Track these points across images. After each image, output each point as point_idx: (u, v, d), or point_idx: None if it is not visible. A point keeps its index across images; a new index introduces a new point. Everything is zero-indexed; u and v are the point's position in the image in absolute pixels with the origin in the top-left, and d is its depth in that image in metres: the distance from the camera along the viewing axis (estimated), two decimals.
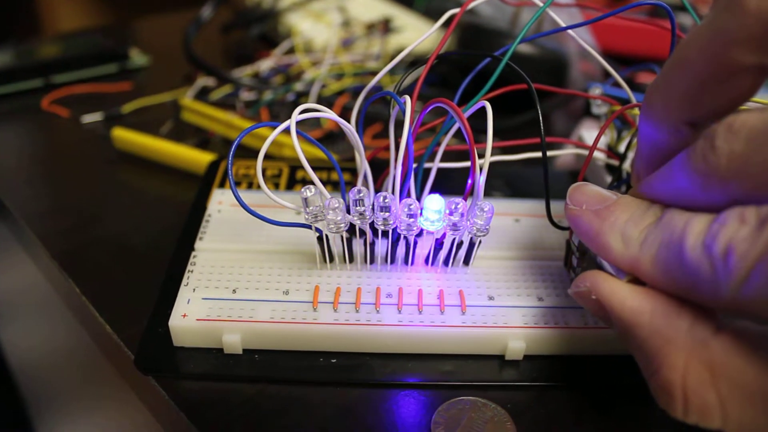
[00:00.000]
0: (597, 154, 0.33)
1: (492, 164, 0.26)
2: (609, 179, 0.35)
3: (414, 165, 0.26)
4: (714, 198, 0.19)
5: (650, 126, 0.22)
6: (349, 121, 0.26)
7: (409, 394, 0.25)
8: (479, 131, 0.26)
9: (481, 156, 0.25)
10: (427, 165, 0.28)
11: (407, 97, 0.26)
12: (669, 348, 0.20)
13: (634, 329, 0.20)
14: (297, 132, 0.24)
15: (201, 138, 0.44)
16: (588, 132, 0.41)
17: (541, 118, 0.26)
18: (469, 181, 0.26)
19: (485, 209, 0.25)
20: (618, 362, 0.26)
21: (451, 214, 0.25)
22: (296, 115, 0.24)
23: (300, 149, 0.24)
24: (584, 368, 0.27)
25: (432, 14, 0.65)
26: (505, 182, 0.37)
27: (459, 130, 0.28)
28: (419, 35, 0.59)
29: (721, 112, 0.20)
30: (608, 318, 0.22)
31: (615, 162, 0.34)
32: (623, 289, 0.21)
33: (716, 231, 0.18)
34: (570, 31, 0.29)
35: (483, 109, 0.26)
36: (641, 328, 0.20)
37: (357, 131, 0.27)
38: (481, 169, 0.25)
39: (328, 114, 0.25)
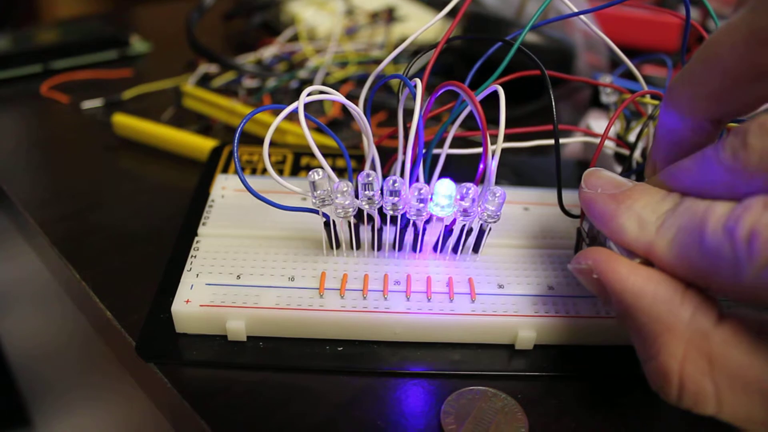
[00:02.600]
0: (606, 142, 0.33)
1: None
2: (618, 168, 0.35)
3: (423, 151, 0.26)
4: (737, 191, 0.19)
5: (672, 120, 0.22)
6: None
7: (418, 383, 0.25)
8: (488, 120, 0.25)
9: (492, 142, 0.25)
10: (434, 152, 0.28)
11: (417, 80, 0.25)
12: (669, 336, 0.19)
13: (635, 312, 0.20)
14: (304, 115, 0.24)
15: (202, 124, 0.43)
16: (596, 122, 0.40)
17: (554, 103, 0.26)
18: (481, 166, 0.25)
19: (497, 194, 0.25)
20: (629, 352, 0.26)
21: (462, 199, 0.25)
22: (304, 97, 0.24)
23: (308, 131, 0.24)
24: (595, 358, 0.26)
25: (435, 4, 0.64)
26: (513, 171, 0.37)
27: (466, 118, 0.28)
28: (423, 25, 0.58)
29: (747, 109, 0.20)
30: (608, 298, 0.22)
31: (624, 151, 0.34)
32: (626, 269, 0.21)
33: (739, 214, 0.18)
34: (583, 18, 0.29)
35: (490, 98, 0.25)
36: (642, 312, 0.20)
37: (365, 116, 0.26)
38: (493, 154, 0.24)
39: (336, 96, 0.25)
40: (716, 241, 0.18)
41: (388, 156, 0.29)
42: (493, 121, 0.24)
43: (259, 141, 0.41)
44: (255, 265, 0.27)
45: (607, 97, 0.37)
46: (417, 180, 0.26)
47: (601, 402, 0.25)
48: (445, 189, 0.25)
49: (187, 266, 0.27)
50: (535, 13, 0.27)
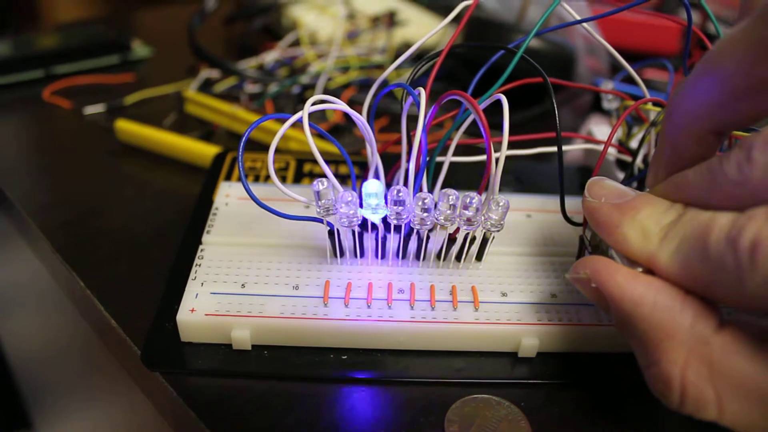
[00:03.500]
0: (609, 149, 0.33)
1: None
2: (620, 175, 0.35)
3: (426, 159, 0.26)
4: (741, 204, 0.19)
5: (674, 131, 0.22)
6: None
7: (421, 391, 0.25)
8: (490, 125, 0.25)
9: (495, 150, 0.25)
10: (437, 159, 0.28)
11: (421, 89, 0.25)
12: (670, 343, 0.19)
13: (635, 320, 0.20)
14: (308, 124, 0.24)
15: (205, 130, 0.43)
16: (597, 127, 0.40)
17: (556, 112, 0.26)
18: (485, 175, 0.25)
19: (501, 204, 0.25)
20: (632, 360, 0.26)
21: (465, 208, 0.25)
22: (309, 107, 0.24)
23: (312, 142, 0.24)
24: (598, 366, 0.26)
25: (435, 8, 0.64)
26: (515, 177, 0.37)
27: (468, 126, 0.28)
28: (423, 29, 0.58)
29: (751, 121, 0.20)
30: (607, 306, 0.22)
31: (625, 157, 0.34)
32: (623, 278, 0.21)
33: (743, 225, 0.18)
34: (585, 26, 0.29)
35: (492, 104, 0.25)
36: (641, 320, 0.20)
37: (368, 124, 0.27)
38: (497, 163, 0.24)
39: (341, 106, 0.25)
40: (719, 251, 0.18)
41: (390, 162, 0.29)
42: (495, 127, 0.24)
43: (262, 147, 0.41)
44: (259, 273, 0.27)
45: (609, 103, 0.37)
46: (420, 189, 0.26)
47: (604, 410, 0.25)
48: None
49: (192, 275, 0.27)
50: (538, 21, 0.27)
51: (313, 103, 0.24)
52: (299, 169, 0.35)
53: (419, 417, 0.24)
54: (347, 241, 0.27)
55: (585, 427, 0.24)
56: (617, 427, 0.24)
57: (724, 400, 0.19)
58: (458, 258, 0.28)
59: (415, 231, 0.27)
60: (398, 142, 0.27)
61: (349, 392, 0.25)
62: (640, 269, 0.21)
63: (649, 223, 0.21)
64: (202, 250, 0.28)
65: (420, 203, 0.25)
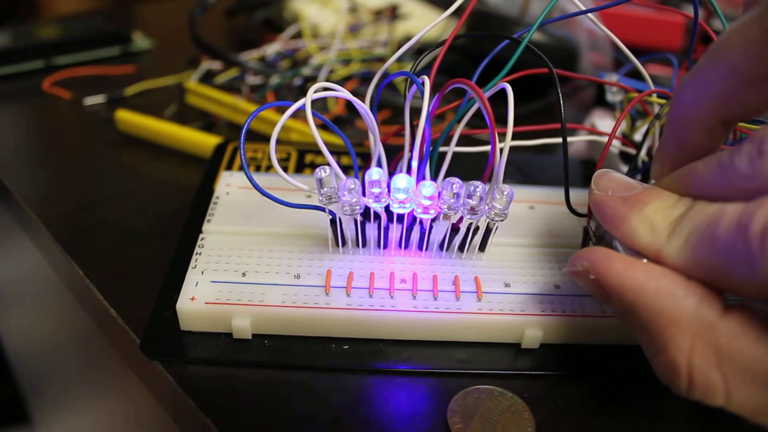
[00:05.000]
0: (612, 141, 0.32)
1: None
2: (624, 168, 0.35)
3: (429, 148, 0.26)
4: (751, 197, 0.19)
5: (681, 121, 0.22)
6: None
7: (424, 382, 0.25)
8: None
9: (499, 140, 0.24)
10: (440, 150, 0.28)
11: (425, 78, 0.25)
12: (675, 329, 0.19)
13: (637, 309, 0.20)
14: (311, 112, 0.24)
15: (206, 121, 0.43)
16: (601, 120, 0.40)
17: (561, 102, 0.26)
18: (489, 164, 0.25)
19: (505, 193, 0.24)
20: (636, 351, 0.26)
21: (469, 197, 0.24)
22: (312, 94, 0.24)
23: (315, 128, 0.23)
24: (602, 357, 0.26)
25: (438, 2, 0.64)
26: (517, 169, 0.36)
27: (470, 116, 0.27)
28: (426, 22, 0.58)
29: (758, 111, 0.20)
30: (607, 297, 0.21)
31: (629, 149, 0.34)
32: (623, 267, 0.20)
33: (753, 211, 0.18)
34: (591, 16, 0.28)
35: (494, 97, 0.25)
36: (644, 308, 0.20)
37: (371, 113, 0.26)
38: (501, 152, 0.24)
39: (343, 93, 0.25)
40: (729, 239, 0.18)
41: (392, 154, 0.29)
42: (498, 120, 0.24)
43: (263, 138, 0.41)
44: (260, 262, 0.27)
45: (613, 95, 0.36)
46: (424, 178, 0.26)
47: (607, 401, 0.25)
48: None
49: (192, 263, 0.27)
50: (542, 12, 0.27)
51: (316, 90, 0.24)
52: (300, 159, 0.35)
53: (421, 408, 0.24)
54: (349, 231, 0.27)
55: (588, 418, 0.24)
56: (620, 419, 0.24)
57: (732, 384, 0.19)
58: (461, 248, 0.27)
59: (417, 220, 0.26)
60: (400, 133, 0.27)
61: (351, 382, 0.24)
62: (645, 261, 0.21)
63: (657, 217, 0.21)
64: (202, 239, 0.28)
65: (423, 191, 0.24)
